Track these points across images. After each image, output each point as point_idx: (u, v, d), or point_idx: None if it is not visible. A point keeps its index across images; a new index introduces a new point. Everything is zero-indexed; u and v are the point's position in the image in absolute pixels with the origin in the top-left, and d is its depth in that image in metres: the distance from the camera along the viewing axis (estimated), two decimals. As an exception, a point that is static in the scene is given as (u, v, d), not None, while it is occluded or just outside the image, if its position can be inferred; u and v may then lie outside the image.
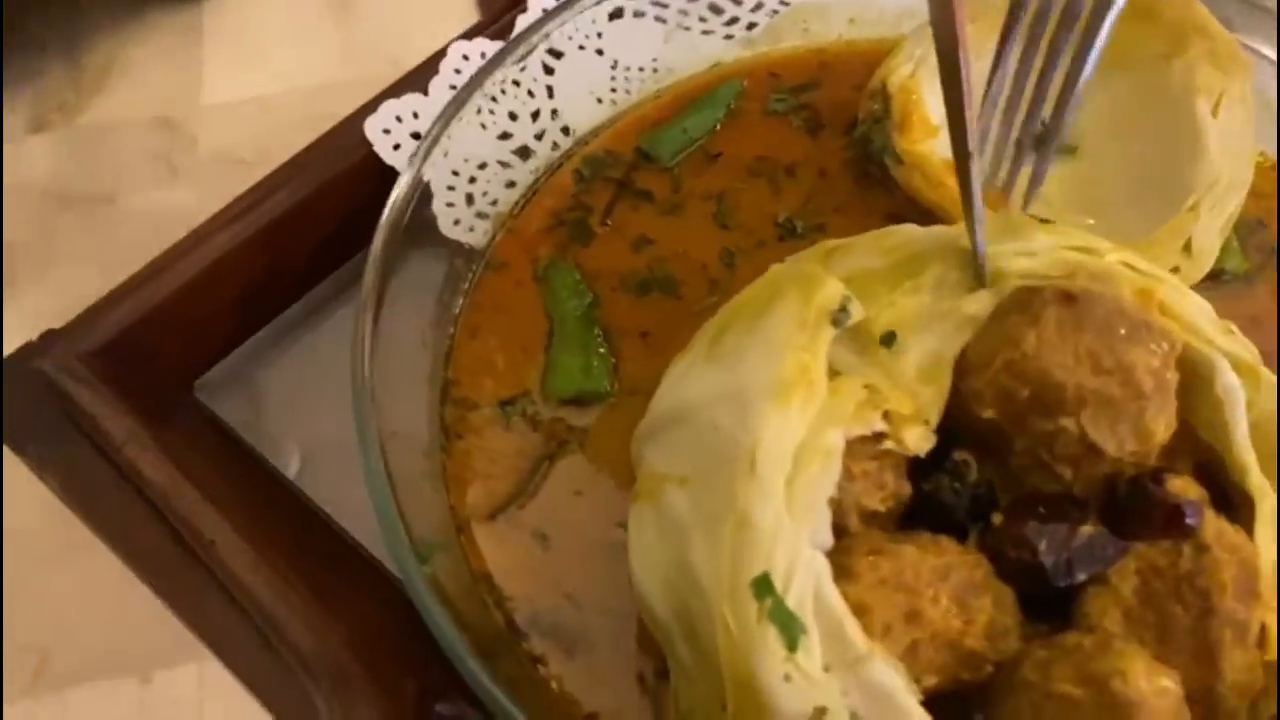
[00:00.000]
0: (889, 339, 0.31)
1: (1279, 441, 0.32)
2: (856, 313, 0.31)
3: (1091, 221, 0.44)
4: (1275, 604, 0.30)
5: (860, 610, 0.29)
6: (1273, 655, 0.30)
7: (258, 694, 0.35)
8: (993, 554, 0.31)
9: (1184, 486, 0.31)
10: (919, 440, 0.30)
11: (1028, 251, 0.33)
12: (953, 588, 0.29)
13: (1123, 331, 0.30)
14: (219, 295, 0.45)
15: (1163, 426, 0.31)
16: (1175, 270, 0.42)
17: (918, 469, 0.32)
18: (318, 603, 0.34)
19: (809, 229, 0.45)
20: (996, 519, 0.32)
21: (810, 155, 0.47)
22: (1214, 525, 0.30)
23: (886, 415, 0.30)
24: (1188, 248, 0.42)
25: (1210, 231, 0.42)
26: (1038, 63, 0.40)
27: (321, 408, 0.44)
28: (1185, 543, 0.30)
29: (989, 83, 0.40)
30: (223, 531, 0.37)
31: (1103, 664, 0.27)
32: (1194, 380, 0.33)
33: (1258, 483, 0.31)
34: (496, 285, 0.44)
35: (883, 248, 0.34)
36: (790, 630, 0.27)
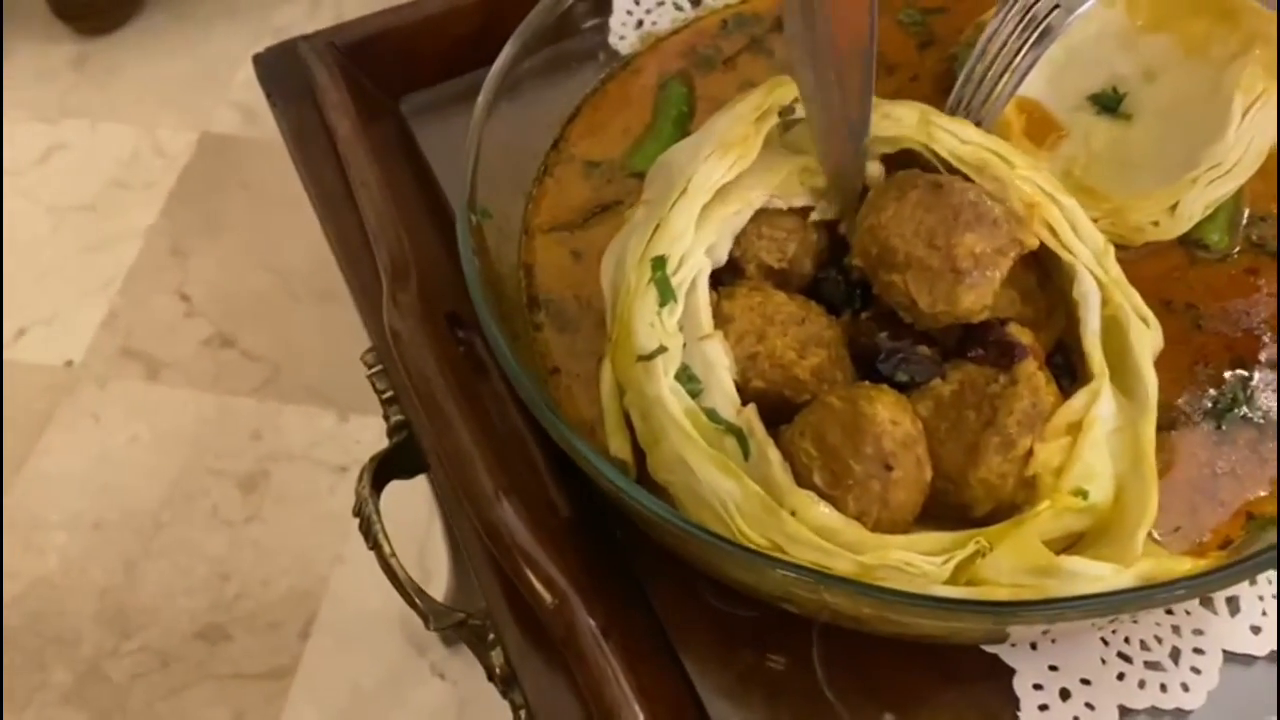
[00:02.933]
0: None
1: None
2: (800, 112, 0.41)
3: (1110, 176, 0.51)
4: (1047, 439, 0.38)
5: (725, 318, 0.40)
6: (1030, 473, 0.38)
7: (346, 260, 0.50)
8: (848, 335, 0.41)
9: (1020, 333, 0.40)
10: (824, 211, 0.41)
11: (960, 138, 0.42)
12: (801, 332, 0.40)
13: (964, 219, 0.39)
14: (448, 33, 0.60)
15: (971, 299, 0.39)
16: (1155, 224, 0.49)
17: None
18: (402, 219, 0.48)
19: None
20: (864, 316, 0.42)
21: (910, 61, 0.56)
22: (1029, 369, 0.39)
23: (814, 191, 0.41)
24: (1173, 209, 0.49)
25: (1198, 201, 0.48)
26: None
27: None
28: (1004, 374, 0.39)
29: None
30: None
31: (863, 393, 0.37)
32: (1064, 283, 0.41)
33: (1095, 368, 0.39)
34: (627, 83, 0.57)
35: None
36: (665, 295, 0.39)
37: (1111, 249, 0.42)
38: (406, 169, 0.55)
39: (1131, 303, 0.41)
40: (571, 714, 0.41)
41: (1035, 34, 0.44)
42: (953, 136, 0.42)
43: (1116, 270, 0.42)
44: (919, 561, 0.36)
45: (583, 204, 0.52)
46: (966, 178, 0.42)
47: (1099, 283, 0.41)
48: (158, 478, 1.32)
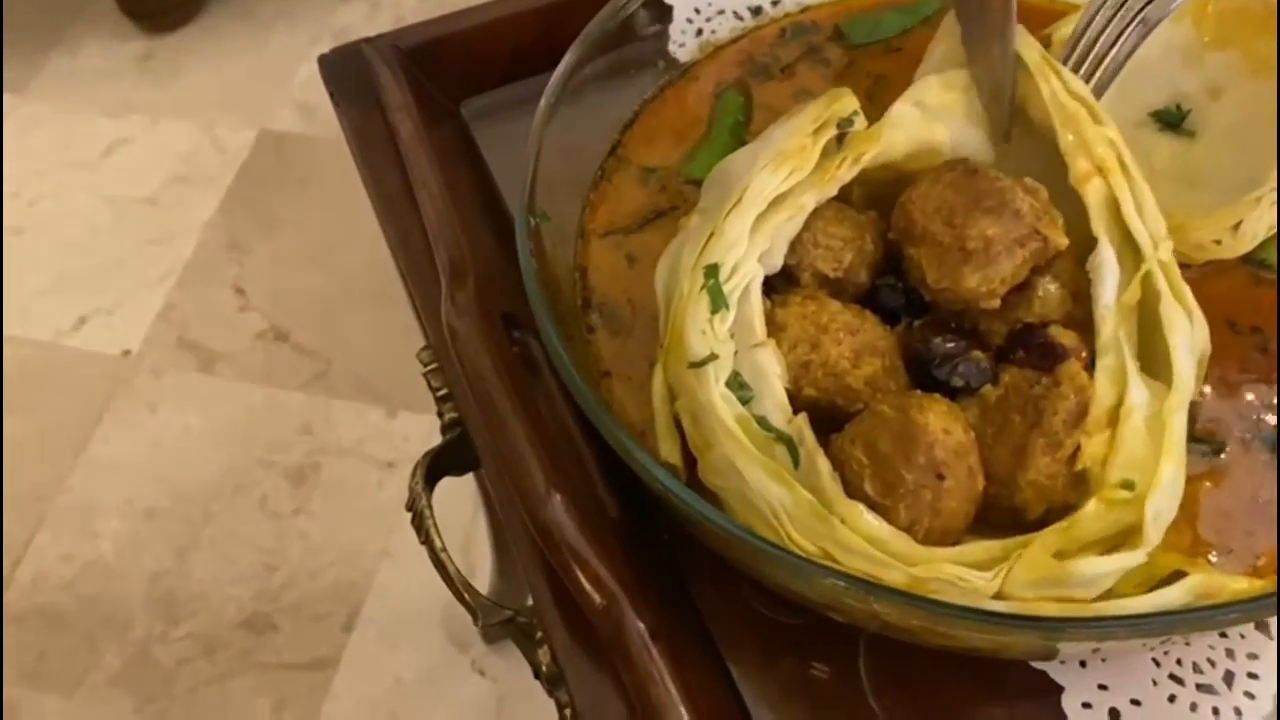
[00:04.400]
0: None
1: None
2: (859, 124, 0.42)
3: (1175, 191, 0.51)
4: (1091, 434, 0.38)
5: (778, 326, 0.40)
6: (1080, 467, 0.38)
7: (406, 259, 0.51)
8: (903, 342, 0.41)
9: (1062, 334, 0.40)
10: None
11: (1067, 86, 0.43)
12: (856, 341, 0.40)
13: (986, 204, 0.39)
14: (509, 38, 0.60)
15: (975, 281, 0.40)
16: (1218, 243, 0.48)
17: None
18: (461, 221, 0.49)
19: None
20: (918, 324, 0.42)
21: (968, 71, 0.56)
22: (1072, 369, 0.39)
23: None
24: (1237, 227, 0.48)
25: (1262, 220, 0.48)
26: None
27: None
28: (1047, 376, 0.39)
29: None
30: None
31: (914, 401, 0.37)
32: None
33: (1104, 342, 0.39)
34: (684, 91, 0.57)
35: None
36: (717, 303, 0.39)
37: (1170, 242, 0.41)
38: (466, 172, 0.56)
39: (1179, 294, 0.41)
40: (617, 714, 0.41)
41: (1132, 24, 0.45)
42: (1061, 82, 0.42)
43: (1171, 262, 0.41)
44: (970, 576, 0.36)
45: (638, 209, 0.53)
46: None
47: (1150, 269, 0.40)
48: (209, 468, 1.34)
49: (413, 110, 0.56)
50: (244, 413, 1.40)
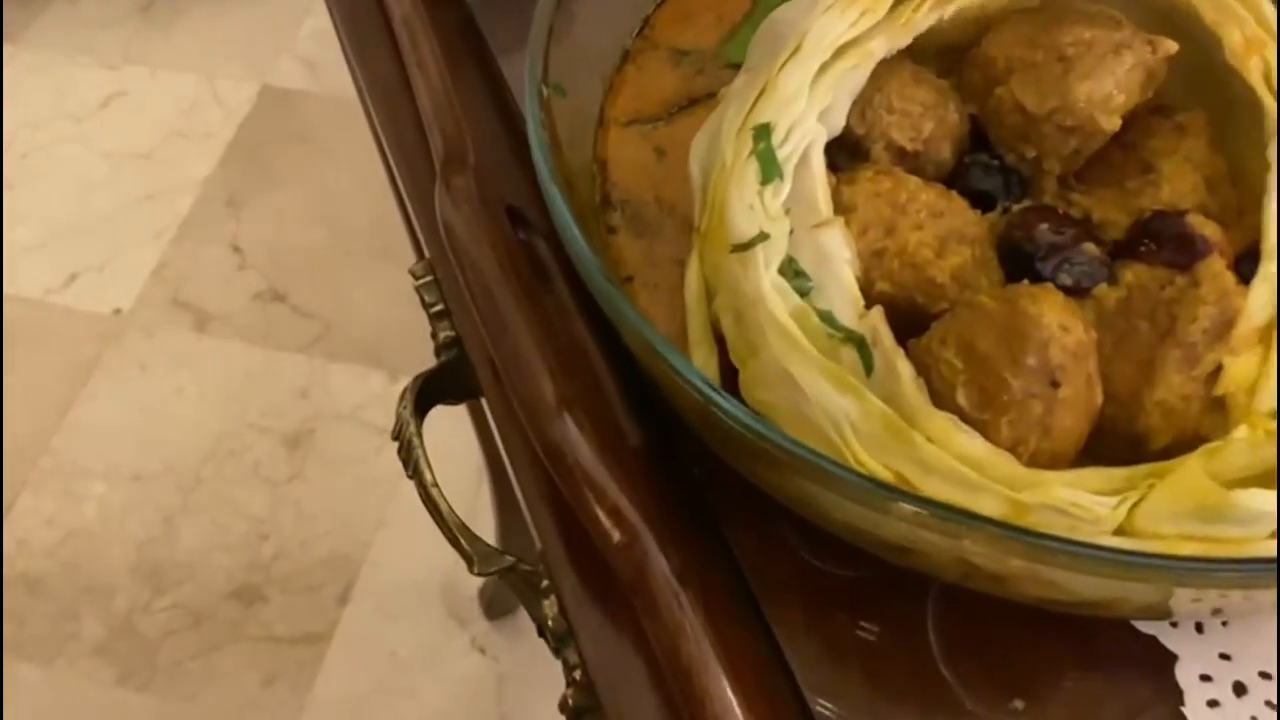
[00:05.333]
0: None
1: None
2: None
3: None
4: (1237, 352, 0.31)
5: (845, 207, 0.33)
6: (1220, 392, 0.31)
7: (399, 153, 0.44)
8: (1000, 231, 0.34)
9: (1203, 224, 0.32)
10: None
11: None
12: (940, 226, 0.33)
13: (1069, 19, 0.33)
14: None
15: (1086, 88, 0.33)
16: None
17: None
18: (463, 104, 0.42)
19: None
20: (1017, 207, 0.34)
21: None
22: (1215, 268, 0.31)
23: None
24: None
25: None
26: None
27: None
28: (1183, 275, 0.32)
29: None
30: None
31: (1025, 291, 0.30)
32: (1261, 172, 0.33)
33: (1269, 246, 0.32)
34: (722, -31, 0.49)
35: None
36: (769, 171, 0.32)
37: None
38: (469, 58, 0.49)
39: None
40: (637, 676, 0.34)
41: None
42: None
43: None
44: (1088, 502, 0.28)
45: (669, 96, 0.45)
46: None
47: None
48: (201, 431, 1.28)
49: (410, -14, 0.48)
50: (238, 375, 1.33)
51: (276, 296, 1.39)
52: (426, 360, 0.49)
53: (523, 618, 1.11)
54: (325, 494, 1.23)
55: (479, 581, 1.08)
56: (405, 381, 0.44)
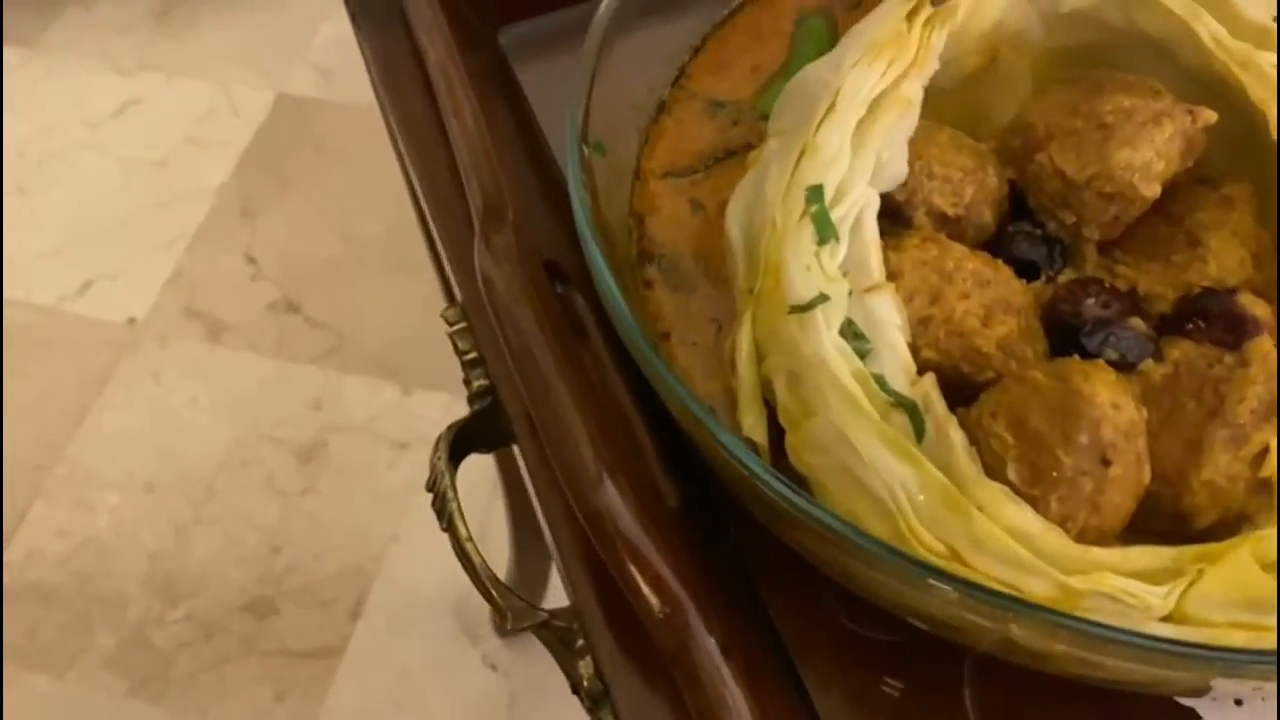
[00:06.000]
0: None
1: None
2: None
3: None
4: (1287, 434, 0.31)
5: (892, 273, 0.32)
6: (1268, 474, 0.30)
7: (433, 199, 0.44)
8: (1045, 302, 0.34)
9: (1253, 303, 0.32)
10: None
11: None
12: (986, 295, 0.33)
13: (1109, 87, 0.33)
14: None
15: (1125, 155, 0.33)
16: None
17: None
18: (499, 155, 0.42)
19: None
20: (1064, 278, 0.34)
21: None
22: (1265, 348, 0.31)
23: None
24: None
25: None
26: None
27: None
28: (1231, 354, 0.32)
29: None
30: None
31: (1077, 368, 0.30)
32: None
33: None
34: (758, 17, 0.49)
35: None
36: (824, 232, 0.32)
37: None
38: (504, 105, 0.49)
39: None
40: (676, 743, 0.34)
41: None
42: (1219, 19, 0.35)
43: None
44: (1140, 590, 0.28)
45: (705, 148, 0.45)
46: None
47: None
48: (214, 442, 1.28)
49: (444, 29, 0.48)
50: (252, 386, 1.33)
51: (290, 307, 1.39)
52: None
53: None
54: (338, 507, 1.23)
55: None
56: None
